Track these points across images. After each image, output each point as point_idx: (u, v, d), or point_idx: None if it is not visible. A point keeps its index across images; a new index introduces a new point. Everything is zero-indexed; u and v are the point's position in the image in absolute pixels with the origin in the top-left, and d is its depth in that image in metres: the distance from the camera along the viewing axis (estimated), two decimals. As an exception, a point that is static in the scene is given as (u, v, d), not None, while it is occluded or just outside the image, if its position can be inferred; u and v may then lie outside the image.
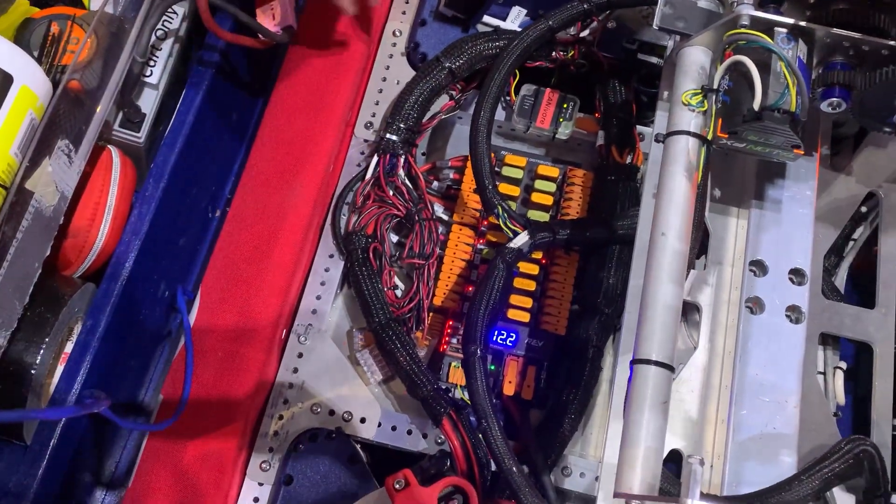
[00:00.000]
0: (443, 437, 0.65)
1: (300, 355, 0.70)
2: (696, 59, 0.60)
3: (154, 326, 0.74)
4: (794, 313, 0.62)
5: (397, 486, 0.60)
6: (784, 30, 0.56)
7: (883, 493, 0.54)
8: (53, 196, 0.61)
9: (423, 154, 0.80)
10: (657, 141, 0.59)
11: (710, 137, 0.57)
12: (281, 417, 0.67)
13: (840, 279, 0.73)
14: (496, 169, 0.77)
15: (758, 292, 0.63)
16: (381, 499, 0.63)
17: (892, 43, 0.56)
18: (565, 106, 0.77)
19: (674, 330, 0.54)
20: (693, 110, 0.58)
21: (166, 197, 0.72)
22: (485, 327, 0.63)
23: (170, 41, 0.75)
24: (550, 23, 0.71)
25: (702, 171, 0.58)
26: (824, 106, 0.58)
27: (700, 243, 0.64)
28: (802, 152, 0.57)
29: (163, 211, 0.71)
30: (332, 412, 0.68)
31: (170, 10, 0.75)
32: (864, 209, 0.73)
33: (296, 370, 0.69)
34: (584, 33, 0.78)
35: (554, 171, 0.77)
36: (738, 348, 0.61)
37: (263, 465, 0.66)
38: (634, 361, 0.53)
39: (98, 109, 0.67)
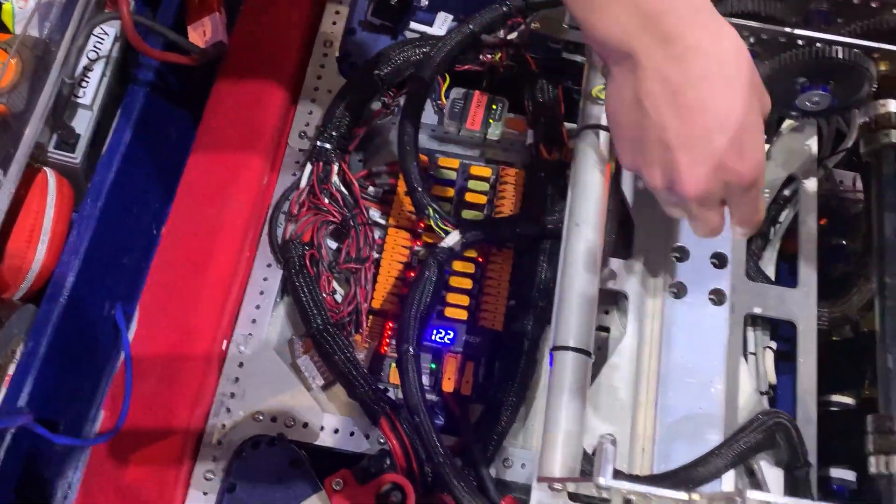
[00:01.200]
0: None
1: (241, 365, 0.70)
2: (605, 54, 0.61)
3: (102, 345, 0.75)
4: (716, 296, 0.64)
5: (336, 486, 0.61)
6: (684, 22, 0.58)
7: (803, 465, 0.56)
8: (-18, 221, 0.62)
9: (361, 161, 0.81)
10: (571, 136, 0.61)
11: (620, 129, 0.59)
12: (223, 427, 0.68)
13: (768, 261, 0.75)
14: (430, 172, 0.78)
15: (681, 277, 0.65)
16: (324, 501, 0.64)
17: (787, 30, 0.58)
18: (494, 107, 0.78)
19: (590, 317, 0.55)
20: (601, 104, 0.60)
21: (105, 216, 0.72)
22: (418, 326, 0.65)
23: (102, 62, 0.76)
24: (471, 26, 0.73)
25: (615, 163, 0.60)
26: (728, 93, 0.60)
27: (621, 232, 0.66)
28: (708, 139, 0.58)
29: (103, 230, 0.72)
30: (274, 419, 0.68)
31: (102, 31, 0.76)
32: (787, 192, 0.75)
33: (237, 380, 0.70)
34: (512, 36, 0.80)
35: (486, 171, 0.78)
36: (663, 333, 0.63)
37: (207, 475, 0.67)
38: (553, 349, 0.54)
39: (26, 132, 0.68)
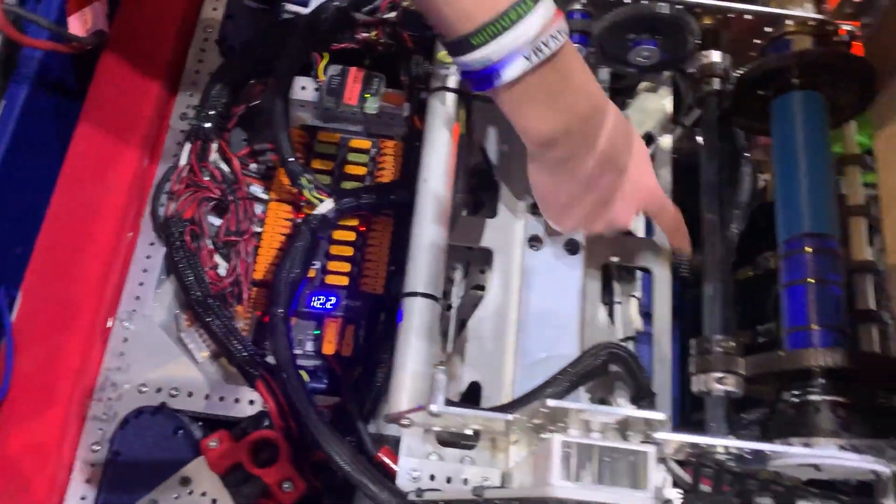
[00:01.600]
0: (269, 401, 0.68)
1: (126, 340, 0.72)
2: (451, 20, 0.65)
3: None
4: (571, 246, 0.68)
5: (212, 444, 0.63)
6: (516, -15, 0.62)
7: (646, 395, 0.60)
8: None
9: (245, 140, 0.83)
10: (422, 98, 0.64)
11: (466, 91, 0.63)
12: (109, 400, 0.70)
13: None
14: (311, 147, 0.81)
15: (538, 230, 0.68)
16: (205, 464, 0.66)
17: (614, -11, 0.62)
18: (371, 82, 0.81)
19: (438, 264, 0.58)
20: (448, 68, 0.63)
21: (-9, 206, 0.74)
22: (288, 290, 0.67)
23: (-18, 55, 0.77)
24: (336, 3, 0.76)
25: (464, 123, 0.63)
26: (565, 52, 0.64)
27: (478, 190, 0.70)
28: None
29: (-11, 220, 0.73)
30: (159, 390, 0.70)
31: (-21, 25, 0.77)
32: (651, 151, 0.79)
33: (122, 354, 0.72)
34: (390, 15, 0.83)
35: (366, 144, 0.81)
36: (522, 283, 0.67)
37: (94, 447, 0.68)
38: (403, 295, 0.57)
39: None
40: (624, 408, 0.44)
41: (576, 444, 0.43)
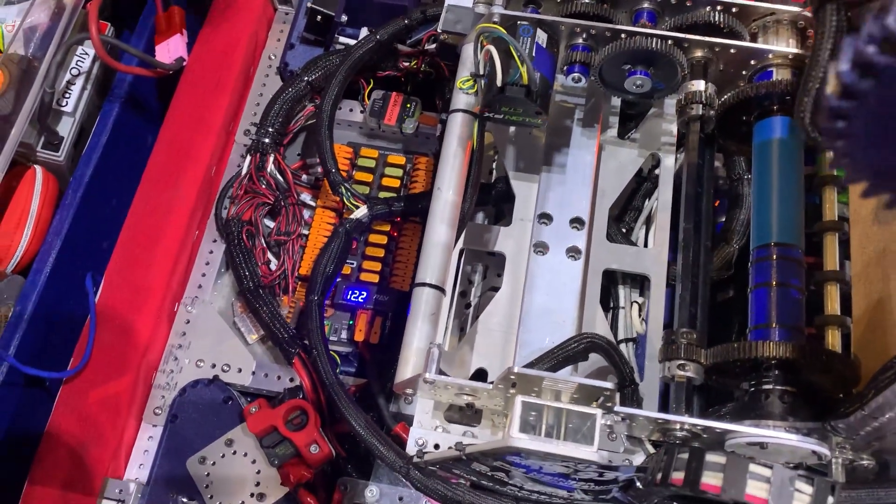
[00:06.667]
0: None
1: (188, 322, 0.84)
2: (469, 52, 0.75)
3: (77, 307, 0.88)
4: (574, 253, 0.76)
5: (252, 410, 0.74)
6: (525, 22, 0.71)
7: (629, 384, 0.67)
8: (-27, 206, 0.77)
9: (299, 154, 0.95)
10: (440, 121, 0.74)
11: (478, 112, 0.72)
12: (171, 371, 0.82)
13: (639, 228, 0.86)
14: (355, 161, 0.92)
15: (544, 238, 0.77)
16: (247, 430, 0.77)
17: (611, 26, 0.71)
18: (409, 105, 0.92)
19: (444, 260, 0.68)
20: (466, 93, 0.73)
21: (85, 205, 0.87)
22: (323, 281, 0.78)
23: (83, 77, 0.91)
24: (378, 36, 0.87)
25: (476, 140, 0.73)
26: (568, 80, 0.73)
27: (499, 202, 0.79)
28: (546, 116, 0.71)
29: (82, 216, 0.87)
30: (213, 365, 0.82)
31: (83, 52, 0.92)
32: (658, 171, 0.86)
33: (184, 334, 0.84)
34: (430, 46, 0.94)
35: (400, 160, 0.92)
36: (527, 283, 0.75)
37: (156, 410, 0.80)
38: (413, 285, 0.67)
39: (12, 132, 0.83)
40: (578, 377, 0.51)
41: (539, 405, 0.51)
